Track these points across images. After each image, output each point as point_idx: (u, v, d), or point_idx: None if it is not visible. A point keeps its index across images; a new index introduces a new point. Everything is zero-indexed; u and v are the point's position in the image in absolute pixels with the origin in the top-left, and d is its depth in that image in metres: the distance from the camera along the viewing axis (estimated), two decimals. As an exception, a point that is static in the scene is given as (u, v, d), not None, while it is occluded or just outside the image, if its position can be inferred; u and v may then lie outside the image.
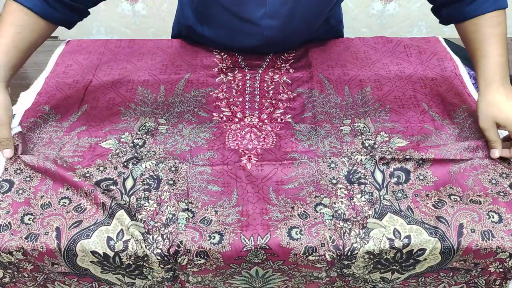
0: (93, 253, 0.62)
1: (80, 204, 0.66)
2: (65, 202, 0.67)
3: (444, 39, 1.07)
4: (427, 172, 0.71)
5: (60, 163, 0.71)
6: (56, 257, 0.63)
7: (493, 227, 0.64)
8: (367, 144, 0.77)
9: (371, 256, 0.63)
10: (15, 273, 0.68)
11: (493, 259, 0.65)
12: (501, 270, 0.67)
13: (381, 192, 0.68)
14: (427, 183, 0.70)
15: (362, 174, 0.71)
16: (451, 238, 0.63)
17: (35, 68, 1.01)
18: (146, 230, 0.63)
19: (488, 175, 0.71)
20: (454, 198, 0.67)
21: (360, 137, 0.78)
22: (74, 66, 0.97)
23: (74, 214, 0.65)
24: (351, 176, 0.70)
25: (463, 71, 0.95)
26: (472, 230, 0.63)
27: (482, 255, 0.64)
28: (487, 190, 0.69)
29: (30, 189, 0.68)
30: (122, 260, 0.63)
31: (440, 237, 0.63)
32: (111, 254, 0.62)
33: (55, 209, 0.66)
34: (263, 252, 0.62)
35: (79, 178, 0.68)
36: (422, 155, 0.72)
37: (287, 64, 0.98)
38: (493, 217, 0.65)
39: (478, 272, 0.68)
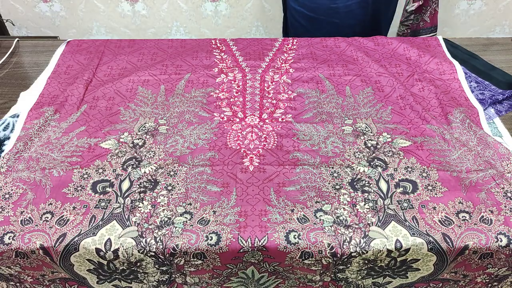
0: (89, 260, 0.62)
1: (62, 216, 0.65)
2: (48, 217, 0.64)
3: (444, 39, 1.07)
4: (436, 183, 0.70)
5: (56, 175, 0.70)
6: (52, 267, 0.63)
7: (497, 250, 0.62)
8: (369, 145, 0.77)
9: (366, 261, 0.62)
10: (17, 284, 0.68)
11: (482, 272, 0.65)
12: (487, 280, 0.67)
13: (386, 201, 0.67)
14: (436, 194, 0.68)
15: (367, 182, 0.70)
16: (450, 257, 0.62)
17: (35, 68, 1.01)
18: (140, 233, 0.62)
19: (503, 188, 0.69)
20: (462, 217, 0.65)
21: (362, 137, 0.78)
22: (75, 67, 0.97)
23: (57, 229, 0.63)
24: (355, 183, 0.70)
25: (461, 74, 0.94)
26: (474, 252, 0.62)
27: (473, 268, 0.64)
28: (501, 206, 0.66)
29: (9, 206, 0.66)
30: (116, 266, 0.63)
31: (438, 253, 0.61)
32: (104, 262, 0.62)
33: (36, 225, 0.64)
34: (260, 253, 0.62)
35: (73, 194, 0.67)
36: (424, 168, 0.71)
37: (287, 64, 0.98)
38: (501, 241, 0.62)
39: (466, 282, 0.67)
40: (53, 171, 0.71)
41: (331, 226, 0.63)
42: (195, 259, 0.62)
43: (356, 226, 0.63)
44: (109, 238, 0.61)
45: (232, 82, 0.93)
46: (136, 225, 0.63)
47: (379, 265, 0.63)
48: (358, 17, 1.17)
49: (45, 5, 1.75)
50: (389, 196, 0.68)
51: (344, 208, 0.66)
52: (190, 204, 0.66)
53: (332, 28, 1.18)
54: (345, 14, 1.15)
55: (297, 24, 1.26)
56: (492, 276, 0.66)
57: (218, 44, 1.05)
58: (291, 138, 0.78)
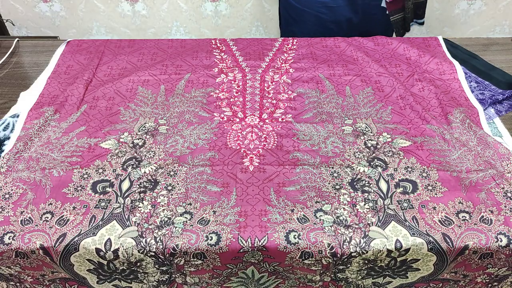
0: (89, 260, 0.62)
1: (62, 216, 0.65)
2: (48, 217, 0.64)
3: (444, 39, 1.07)
4: (436, 183, 0.70)
5: (56, 175, 0.70)
6: (52, 267, 0.63)
7: (497, 250, 0.62)
8: (369, 145, 0.77)
9: (366, 261, 0.63)
10: (17, 284, 0.68)
11: (482, 272, 0.65)
12: (487, 280, 0.67)
13: (386, 201, 0.67)
14: (436, 194, 0.68)
15: (367, 182, 0.70)
16: (450, 257, 0.62)
17: (35, 68, 1.01)
18: (140, 233, 0.62)
19: (503, 188, 0.69)
20: (462, 217, 0.65)
21: (362, 137, 0.78)
22: (75, 67, 0.97)
23: (57, 229, 0.63)
24: (355, 183, 0.70)
25: (461, 74, 0.94)
26: (474, 252, 0.62)
27: (473, 268, 0.64)
28: (501, 206, 0.66)
29: (9, 206, 0.66)
30: (116, 266, 0.63)
31: (438, 253, 0.61)
32: (104, 262, 0.62)
33: (36, 225, 0.63)
34: (260, 253, 0.62)
35: (73, 194, 0.67)
36: (424, 168, 0.71)
37: (287, 64, 0.98)
38: (501, 241, 0.62)
39: (466, 282, 0.68)
40: (53, 171, 0.71)
41: (331, 226, 0.63)
42: (195, 259, 0.62)
43: (356, 226, 0.63)
44: (109, 238, 0.61)
45: (232, 82, 0.93)
46: (136, 225, 0.63)
47: (379, 265, 0.63)
48: (345, 14, 1.17)
49: (45, 5, 1.75)
50: (389, 196, 0.68)
51: (344, 208, 0.66)
52: (190, 204, 0.66)
53: (319, 22, 1.18)
54: (332, 9, 1.16)
55: (287, 15, 1.27)
56: (492, 276, 0.66)
57: (218, 44, 1.05)
58: (291, 138, 0.78)
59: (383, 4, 1.18)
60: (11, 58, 1.05)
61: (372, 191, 0.68)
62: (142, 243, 0.61)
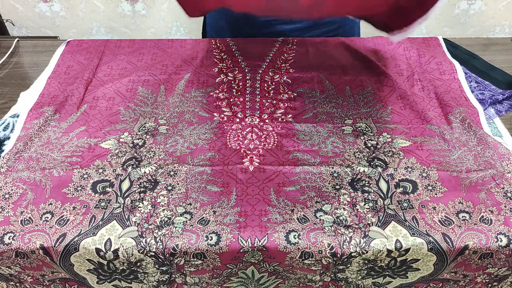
0: (89, 260, 0.62)
1: (62, 216, 0.65)
2: (48, 217, 0.64)
3: (444, 39, 1.07)
4: (436, 183, 0.70)
5: (56, 175, 0.70)
6: (52, 267, 0.63)
7: (497, 250, 0.62)
8: (369, 145, 0.77)
9: (366, 261, 0.63)
10: (17, 284, 0.68)
11: (482, 272, 0.65)
12: (487, 280, 0.67)
13: (386, 201, 0.67)
14: (436, 194, 0.68)
15: (367, 182, 0.70)
16: (450, 256, 0.62)
17: (35, 68, 1.01)
18: (140, 233, 0.62)
19: (503, 188, 0.69)
20: (462, 217, 0.65)
21: (362, 137, 0.78)
22: (75, 67, 0.97)
23: (57, 229, 0.63)
24: (355, 183, 0.70)
25: (461, 74, 0.94)
26: (474, 252, 0.62)
27: (473, 268, 0.64)
28: (501, 206, 0.66)
29: (9, 206, 0.66)
30: (116, 266, 0.63)
31: (438, 253, 0.61)
32: (104, 262, 0.62)
33: (36, 225, 0.63)
34: (260, 253, 0.62)
35: (73, 194, 0.67)
36: (424, 168, 0.72)
37: (287, 64, 0.98)
38: (501, 241, 0.62)
39: (466, 282, 0.68)
40: (53, 171, 0.71)
41: (331, 226, 0.63)
42: (195, 259, 0.62)
43: (356, 226, 0.63)
44: (109, 238, 0.61)
45: (232, 82, 0.93)
46: (136, 225, 0.63)
47: (379, 265, 0.63)
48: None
49: (45, 5, 1.75)
50: (389, 196, 0.68)
51: (344, 208, 0.66)
52: (190, 204, 0.67)
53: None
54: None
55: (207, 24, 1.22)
56: (492, 276, 0.66)
57: (218, 44, 1.05)
58: (291, 138, 0.78)
59: None
60: (11, 58, 1.05)
61: (372, 191, 0.68)
62: (142, 243, 0.61)
